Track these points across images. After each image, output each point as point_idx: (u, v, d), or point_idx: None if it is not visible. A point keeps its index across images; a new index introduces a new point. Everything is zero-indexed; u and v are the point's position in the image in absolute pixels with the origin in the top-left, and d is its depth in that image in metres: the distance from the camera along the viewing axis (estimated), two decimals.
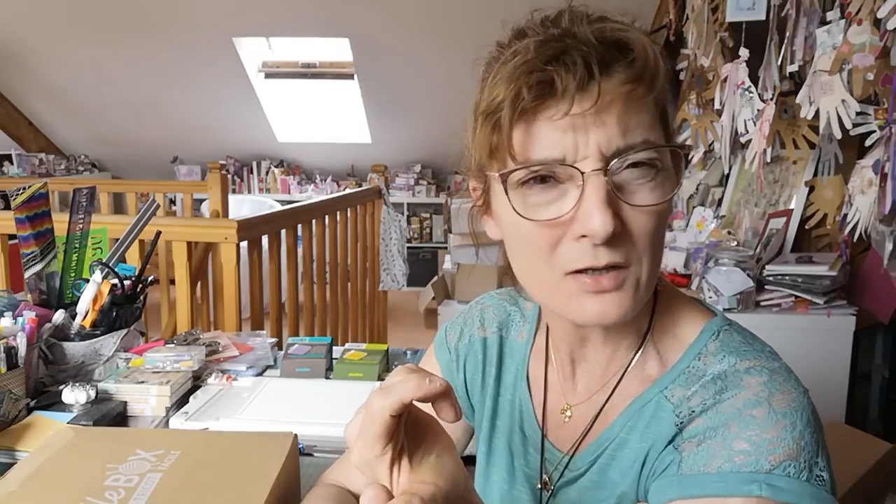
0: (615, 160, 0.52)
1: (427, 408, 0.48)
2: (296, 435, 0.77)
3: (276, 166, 5.94)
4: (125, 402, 1.16)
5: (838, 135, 1.87)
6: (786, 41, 2.05)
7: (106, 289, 1.29)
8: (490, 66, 0.57)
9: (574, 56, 0.51)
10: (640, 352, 0.63)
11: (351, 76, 4.83)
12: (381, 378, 1.29)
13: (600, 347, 0.64)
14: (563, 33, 0.54)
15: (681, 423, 0.57)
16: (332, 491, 0.74)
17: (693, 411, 0.56)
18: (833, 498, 0.52)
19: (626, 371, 0.63)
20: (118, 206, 5.14)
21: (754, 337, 0.62)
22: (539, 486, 0.68)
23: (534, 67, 0.52)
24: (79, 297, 1.30)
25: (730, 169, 2.60)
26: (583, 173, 0.52)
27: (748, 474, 0.51)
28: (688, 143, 2.74)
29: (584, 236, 0.53)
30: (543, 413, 0.69)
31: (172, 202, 5.69)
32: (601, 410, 0.64)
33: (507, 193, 0.56)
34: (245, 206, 5.30)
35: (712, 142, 2.64)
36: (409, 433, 0.47)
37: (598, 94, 0.51)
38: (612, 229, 0.51)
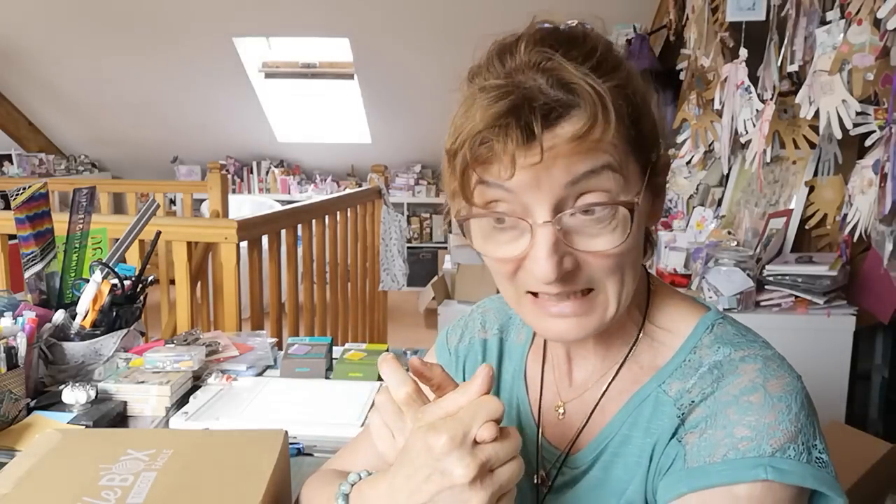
0: (563, 212, 0.54)
1: None
2: (286, 432, 0.78)
3: (276, 166, 5.94)
4: (125, 402, 1.16)
5: (838, 135, 1.87)
6: (786, 41, 2.04)
7: (106, 289, 1.29)
8: (460, 100, 0.57)
9: (515, 118, 0.51)
10: (633, 348, 0.65)
11: (351, 76, 4.83)
12: (381, 378, 1.28)
13: (591, 347, 0.66)
14: (511, 85, 0.53)
15: (682, 414, 0.58)
16: (336, 475, 0.74)
17: (693, 401, 0.58)
18: (835, 480, 0.53)
19: (620, 367, 0.65)
20: (118, 206, 5.14)
21: (747, 329, 0.64)
22: (537, 481, 0.68)
23: (477, 131, 0.52)
24: (79, 297, 1.30)
25: (730, 169, 2.60)
26: (531, 225, 0.54)
27: (752, 459, 0.52)
28: (687, 142, 2.75)
29: None
30: (539, 411, 0.70)
31: (172, 202, 5.69)
32: (596, 406, 0.65)
33: (467, 233, 0.59)
34: (245, 206, 5.30)
35: (712, 142, 2.64)
36: None
37: (541, 151, 0.51)
38: (556, 277, 0.54)
